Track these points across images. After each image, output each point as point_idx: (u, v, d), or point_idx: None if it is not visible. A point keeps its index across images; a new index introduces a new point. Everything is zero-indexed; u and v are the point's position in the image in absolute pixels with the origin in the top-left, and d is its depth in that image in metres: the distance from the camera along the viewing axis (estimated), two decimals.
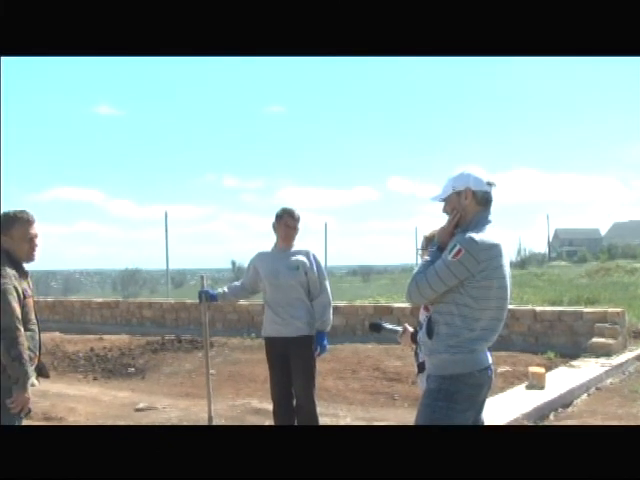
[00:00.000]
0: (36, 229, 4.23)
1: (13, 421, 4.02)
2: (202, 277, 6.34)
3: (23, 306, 4.08)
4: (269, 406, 6.10)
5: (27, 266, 4.29)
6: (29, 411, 4.09)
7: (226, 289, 6.18)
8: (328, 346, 5.84)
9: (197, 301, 6.20)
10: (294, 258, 5.77)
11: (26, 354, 3.97)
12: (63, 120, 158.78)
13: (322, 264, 5.95)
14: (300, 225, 5.86)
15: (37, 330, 4.23)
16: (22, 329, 3.98)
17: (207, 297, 6.11)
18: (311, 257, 5.81)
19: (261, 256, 5.99)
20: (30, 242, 4.20)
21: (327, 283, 5.89)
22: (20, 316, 3.99)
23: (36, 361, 4.21)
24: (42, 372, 4.32)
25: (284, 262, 5.75)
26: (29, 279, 4.26)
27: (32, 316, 4.18)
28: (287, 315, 5.70)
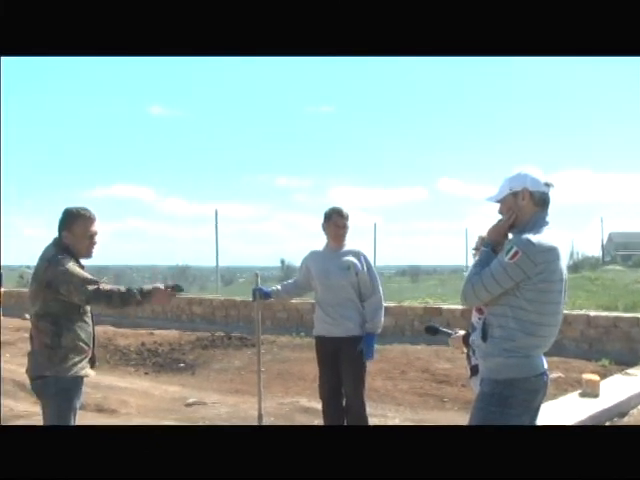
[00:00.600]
0: (96, 227, 4.31)
1: (70, 412, 4.10)
2: (256, 274, 6.33)
3: None
4: (318, 405, 6.09)
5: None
6: (175, 288, 4.30)
7: (279, 287, 6.19)
8: (376, 347, 5.78)
9: (249, 298, 6.23)
10: (345, 258, 5.74)
11: (122, 289, 4.16)
12: (117, 120, 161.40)
13: (372, 265, 5.90)
14: (349, 223, 5.83)
15: (91, 323, 4.31)
16: (98, 284, 4.12)
17: (261, 295, 6.11)
18: (362, 258, 5.78)
19: (313, 255, 5.99)
20: (90, 239, 4.29)
21: (379, 284, 5.84)
22: (90, 277, 4.15)
23: (90, 353, 4.29)
24: (90, 365, 4.39)
25: (335, 262, 5.73)
26: None
27: (88, 309, 4.26)
28: (337, 315, 5.67)
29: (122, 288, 4.15)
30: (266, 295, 6.13)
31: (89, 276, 4.15)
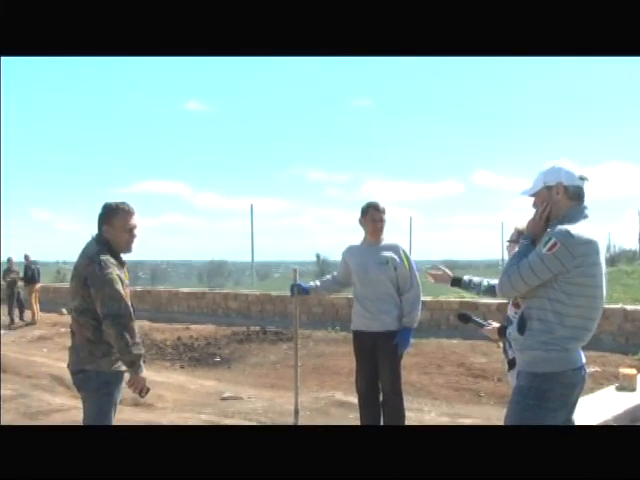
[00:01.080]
0: (136, 220, 4.36)
1: (110, 406, 4.17)
2: (295, 270, 6.33)
3: None
4: (353, 399, 6.12)
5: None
6: (148, 390, 4.23)
7: (318, 283, 6.21)
8: (412, 341, 5.78)
9: (285, 293, 6.27)
10: (383, 253, 5.72)
11: (138, 337, 4.11)
12: (154, 116, 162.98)
13: (412, 259, 5.86)
14: (386, 217, 5.80)
15: (133, 319, 4.36)
16: (132, 314, 4.13)
17: (299, 291, 6.15)
18: (400, 252, 5.75)
19: (351, 250, 5.97)
20: (130, 232, 4.33)
21: (418, 279, 5.80)
22: (129, 302, 4.15)
23: None
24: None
25: (373, 257, 5.72)
26: (125, 269, 4.38)
27: (129, 304, 4.32)
28: (375, 309, 5.66)
29: (136, 342, 4.08)
30: (305, 291, 6.15)
31: (124, 296, 4.12)
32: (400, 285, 5.73)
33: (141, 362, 4.13)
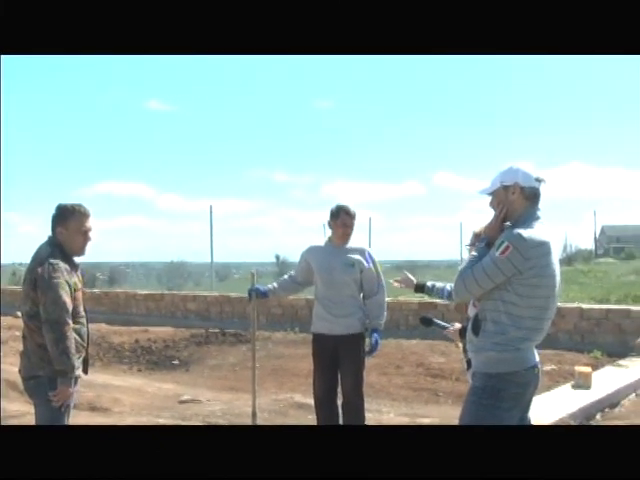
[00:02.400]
0: (91, 223, 4.29)
1: (63, 411, 4.09)
2: (252, 274, 6.20)
3: (73, 299, 4.13)
4: (312, 401, 6.09)
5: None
6: (68, 406, 4.13)
7: (276, 284, 6.09)
8: (380, 343, 5.75)
9: (244, 295, 6.15)
10: (350, 255, 5.66)
11: (74, 348, 4.02)
12: (114, 115, 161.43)
13: (377, 262, 5.82)
14: (355, 222, 5.72)
15: (85, 323, 4.29)
16: (71, 323, 4.03)
17: (257, 294, 6.02)
18: (367, 255, 5.70)
19: (314, 250, 5.87)
20: (84, 235, 4.25)
21: (384, 282, 5.78)
22: (70, 310, 4.05)
23: (83, 353, 4.27)
24: (83, 367, 4.35)
25: (339, 258, 5.64)
26: (79, 272, 4.31)
27: (81, 309, 4.24)
28: (339, 312, 5.60)
29: (72, 352, 3.99)
30: (263, 294, 6.02)
31: (66, 303, 4.03)
32: (365, 288, 5.70)
33: (72, 375, 4.03)
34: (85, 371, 4.37)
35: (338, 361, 5.64)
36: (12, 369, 10.52)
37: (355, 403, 5.65)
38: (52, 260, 4.05)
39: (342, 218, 5.64)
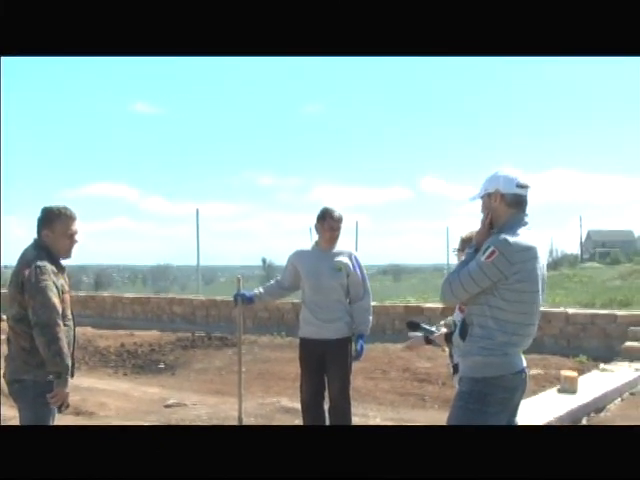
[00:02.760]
0: (77, 225, 4.27)
1: (48, 415, 4.06)
2: (238, 279, 6.16)
3: (61, 301, 4.11)
4: (299, 405, 6.07)
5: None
6: (68, 406, 4.13)
7: (262, 290, 6.03)
8: (366, 347, 5.76)
9: (230, 298, 6.14)
10: (337, 259, 5.64)
11: (66, 349, 4.00)
12: (100, 118, 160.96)
13: (363, 266, 5.82)
14: (341, 224, 5.69)
15: (72, 326, 4.27)
16: (62, 324, 4.01)
17: (243, 300, 5.98)
18: (353, 259, 5.70)
19: (301, 254, 5.84)
20: (70, 238, 4.24)
21: (369, 286, 5.78)
22: (60, 312, 4.03)
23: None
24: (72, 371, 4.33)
25: (326, 263, 5.62)
26: (65, 275, 4.28)
27: (68, 312, 4.22)
28: (326, 317, 5.58)
29: (65, 353, 3.97)
30: (249, 300, 5.97)
31: (54, 307, 4.00)
32: (351, 293, 5.69)
33: (67, 375, 4.02)
34: (71, 374, 4.35)
35: (325, 365, 5.63)
36: None
37: (342, 407, 5.64)
38: (39, 263, 4.03)
39: (328, 222, 5.61)
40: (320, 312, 5.61)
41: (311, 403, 5.73)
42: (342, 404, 5.64)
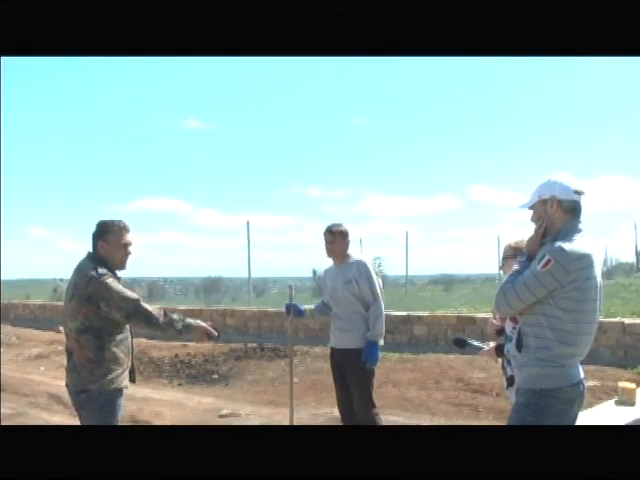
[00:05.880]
0: (130, 237, 4.38)
1: (111, 421, 4.16)
2: (290, 287, 6.40)
3: None
4: None
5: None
6: (215, 329, 4.35)
7: (313, 308, 6.35)
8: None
9: (282, 309, 6.31)
10: (349, 271, 5.85)
11: (159, 313, 4.22)
12: (154, 134, 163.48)
13: (372, 273, 5.90)
14: (342, 238, 5.91)
15: (130, 336, 4.36)
16: (138, 302, 4.17)
17: (295, 312, 6.23)
18: (361, 268, 5.84)
19: (326, 272, 6.23)
20: (125, 249, 4.35)
21: (379, 292, 5.86)
22: (130, 294, 4.20)
23: (129, 364, 4.35)
24: (130, 376, 4.43)
25: (340, 276, 5.88)
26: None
27: None
28: (345, 327, 5.82)
29: (167, 313, 4.23)
30: (299, 313, 6.27)
31: (130, 293, 4.19)
32: (365, 300, 5.82)
33: (181, 325, 4.23)
34: (133, 380, 4.46)
35: (347, 377, 5.82)
36: (55, 382, 10.70)
37: (365, 420, 5.73)
38: (100, 271, 4.15)
39: (325, 236, 5.92)
40: (340, 322, 5.89)
41: (345, 410, 5.94)
42: (365, 421, 5.72)
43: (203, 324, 4.32)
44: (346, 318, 5.82)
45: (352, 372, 5.77)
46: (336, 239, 5.87)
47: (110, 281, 4.13)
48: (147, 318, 4.13)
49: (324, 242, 5.94)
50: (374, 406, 5.80)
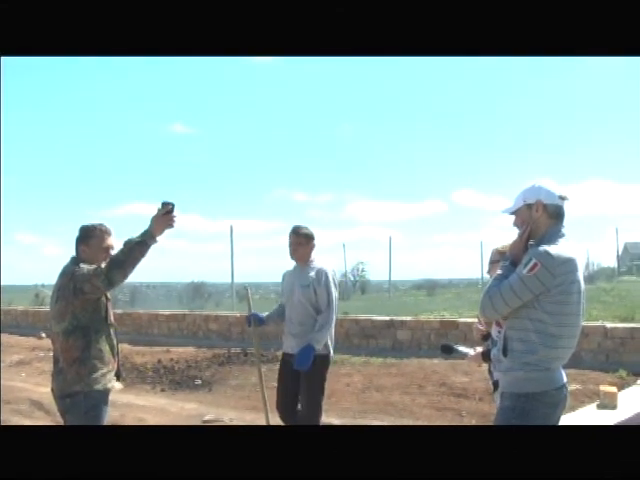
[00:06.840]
0: (112, 241, 4.38)
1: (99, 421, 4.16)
2: (246, 288, 6.42)
3: (106, 309, 4.30)
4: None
5: None
6: (167, 203, 4.15)
7: (273, 313, 6.24)
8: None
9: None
10: (308, 275, 5.76)
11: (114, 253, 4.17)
12: (139, 138, 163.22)
13: (331, 283, 5.79)
14: (307, 241, 5.85)
15: (115, 337, 4.38)
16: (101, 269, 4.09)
17: (255, 321, 6.20)
18: (321, 275, 5.75)
19: (285, 274, 6.11)
20: (106, 252, 4.36)
21: (334, 302, 5.77)
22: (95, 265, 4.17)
23: (115, 365, 4.34)
24: (117, 376, 4.43)
25: (299, 280, 5.79)
26: None
27: (111, 318, 4.34)
28: (297, 332, 5.73)
29: (120, 247, 4.13)
30: (260, 321, 6.20)
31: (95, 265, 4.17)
32: (319, 307, 5.74)
33: (137, 237, 4.08)
34: (119, 377, 4.45)
35: (298, 380, 5.72)
36: (37, 389, 10.64)
37: (307, 419, 5.68)
38: (76, 268, 4.19)
39: (290, 237, 5.84)
40: (292, 327, 5.80)
41: (283, 415, 5.86)
42: (307, 416, 5.68)
43: (154, 215, 4.15)
44: (298, 323, 5.73)
45: (305, 381, 5.66)
46: (300, 241, 5.80)
47: (81, 266, 4.17)
48: (117, 263, 4.03)
49: (288, 243, 5.85)
50: (320, 414, 5.75)
